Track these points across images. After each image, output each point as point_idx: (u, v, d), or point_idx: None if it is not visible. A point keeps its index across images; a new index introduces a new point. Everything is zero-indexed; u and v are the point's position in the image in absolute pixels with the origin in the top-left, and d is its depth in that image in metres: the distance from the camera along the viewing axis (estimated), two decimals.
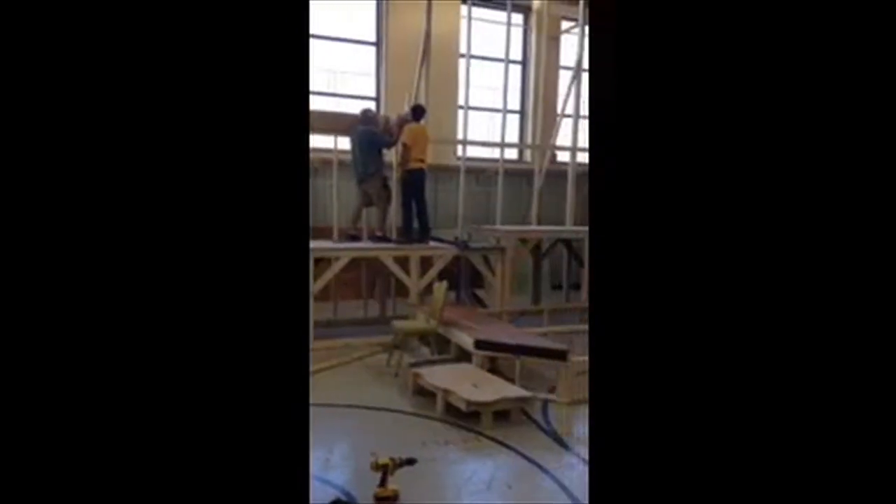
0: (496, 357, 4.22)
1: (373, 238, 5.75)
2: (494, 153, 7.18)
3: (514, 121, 8.04)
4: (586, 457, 3.11)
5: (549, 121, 7.53)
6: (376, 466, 2.53)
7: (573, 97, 7.09)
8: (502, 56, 6.91)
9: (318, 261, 5.10)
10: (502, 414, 3.49)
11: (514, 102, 8.00)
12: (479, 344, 4.17)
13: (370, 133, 5.55)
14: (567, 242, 6.90)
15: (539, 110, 7.55)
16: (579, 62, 7.08)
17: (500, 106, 7.04)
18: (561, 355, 3.99)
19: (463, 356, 4.42)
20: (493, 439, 3.24)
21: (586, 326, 5.71)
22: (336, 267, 5.20)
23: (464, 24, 6.78)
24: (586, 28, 7.09)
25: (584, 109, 7.50)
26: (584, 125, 7.60)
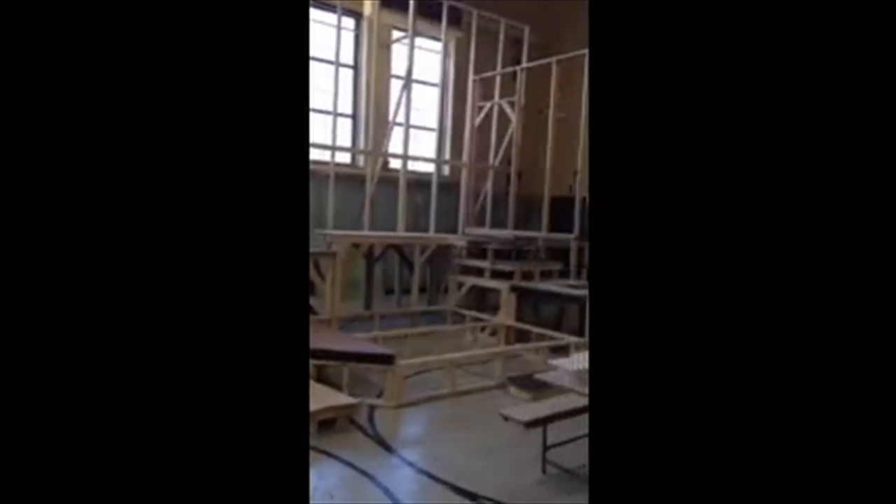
0: (324, 365, 4.11)
1: None
2: (326, 156, 7.04)
3: (346, 125, 7.97)
4: (411, 459, 3.15)
5: (380, 127, 7.59)
6: None
7: (404, 106, 7.23)
8: (334, 59, 6.82)
9: None
10: (328, 422, 3.40)
11: (347, 106, 7.94)
12: None
13: None
14: (398, 248, 6.99)
15: (371, 116, 7.58)
16: (409, 72, 7.24)
17: (331, 108, 6.93)
18: (388, 360, 4.01)
19: None
20: (316, 449, 3.14)
21: (416, 329, 5.84)
22: None
23: None
24: (416, 40, 7.29)
25: (415, 119, 7.70)
26: (415, 135, 7.80)
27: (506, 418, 3.03)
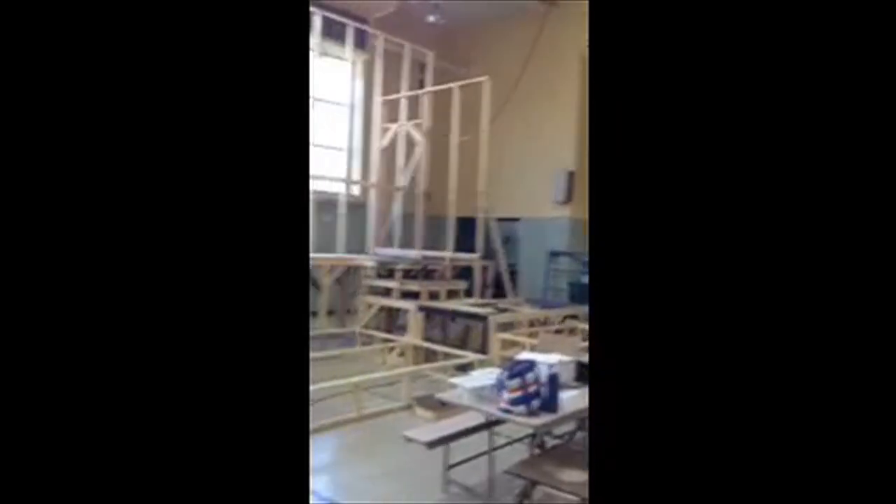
0: None
1: None
2: None
3: None
4: (314, 488, 3.10)
5: None
6: None
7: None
8: None
9: None
10: None
11: None
12: None
13: None
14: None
15: None
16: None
17: None
18: None
19: None
20: None
21: (324, 353, 5.75)
22: None
23: None
24: (324, 60, 7.27)
25: (323, 138, 7.65)
26: (323, 154, 7.74)
27: (408, 440, 3.07)
